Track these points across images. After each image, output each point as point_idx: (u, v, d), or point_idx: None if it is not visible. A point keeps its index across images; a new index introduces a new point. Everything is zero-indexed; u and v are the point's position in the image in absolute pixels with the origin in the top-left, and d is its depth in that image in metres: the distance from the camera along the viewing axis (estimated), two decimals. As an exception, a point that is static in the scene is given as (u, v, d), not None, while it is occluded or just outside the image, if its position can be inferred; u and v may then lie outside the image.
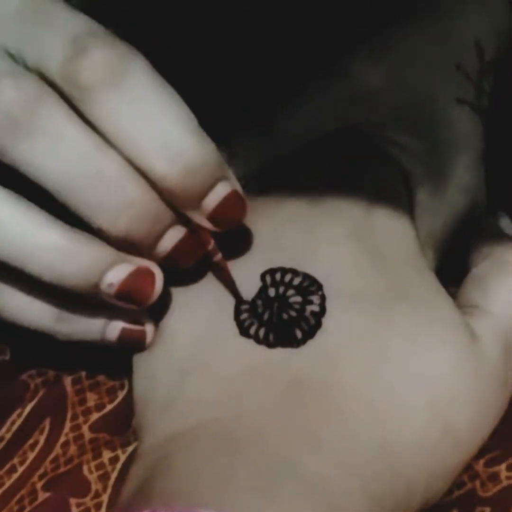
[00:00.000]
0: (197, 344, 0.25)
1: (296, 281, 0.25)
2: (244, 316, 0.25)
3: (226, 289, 0.26)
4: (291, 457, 0.21)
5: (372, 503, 0.21)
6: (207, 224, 0.24)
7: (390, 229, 0.27)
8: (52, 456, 0.28)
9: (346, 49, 0.32)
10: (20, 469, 0.28)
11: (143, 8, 0.36)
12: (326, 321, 0.24)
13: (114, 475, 0.27)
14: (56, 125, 0.22)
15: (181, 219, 0.24)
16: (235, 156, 0.31)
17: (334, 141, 0.32)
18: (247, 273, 0.26)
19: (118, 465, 0.27)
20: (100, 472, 0.27)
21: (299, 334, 0.24)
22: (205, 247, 0.25)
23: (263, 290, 0.25)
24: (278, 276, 0.25)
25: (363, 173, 0.30)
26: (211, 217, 0.24)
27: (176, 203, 0.23)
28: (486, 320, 0.26)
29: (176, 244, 0.24)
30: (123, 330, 0.25)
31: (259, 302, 0.25)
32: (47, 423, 0.29)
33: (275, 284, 0.25)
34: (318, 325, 0.24)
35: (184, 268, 0.25)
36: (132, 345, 0.26)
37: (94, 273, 0.23)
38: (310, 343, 0.24)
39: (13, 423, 0.29)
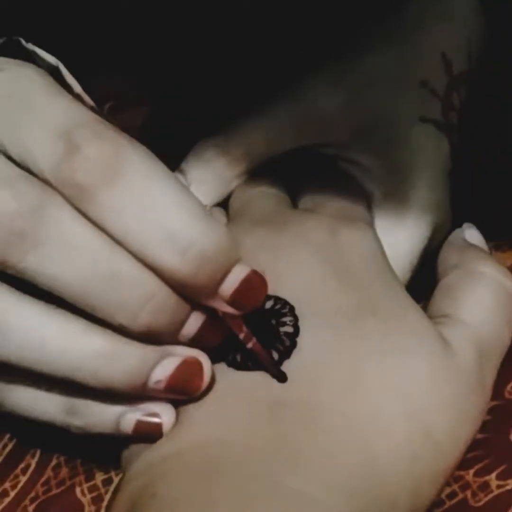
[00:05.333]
0: None
1: (268, 304, 0.26)
2: None
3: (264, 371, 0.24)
4: (273, 477, 0.21)
5: None
6: (228, 309, 0.23)
7: (355, 247, 0.28)
8: (43, 478, 0.28)
9: (307, 70, 0.32)
10: (12, 493, 0.28)
11: (143, 6, 0.36)
12: (300, 340, 0.25)
13: (107, 497, 0.27)
14: (63, 231, 0.22)
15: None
16: (194, 183, 0.32)
17: (295, 162, 0.33)
18: None
19: (112, 487, 0.27)
20: (93, 494, 0.27)
21: (275, 355, 0.24)
22: (238, 334, 0.24)
23: None
24: None
25: (326, 193, 0.31)
26: (231, 302, 0.23)
27: (190, 294, 0.23)
28: (457, 328, 0.26)
29: (199, 329, 0.23)
30: (138, 423, 0.24)
31: None
32: (38, 446, 0.29)
33: None
34: (293, 345, 0.25)
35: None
36: (148, 437, 0.24)
37: (141, 373, 0.23)
38: (287, 364, 0.24)
39: (4, 447, 0.29)
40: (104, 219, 0.22)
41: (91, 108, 0.24)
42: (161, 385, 0.23)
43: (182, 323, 0.23)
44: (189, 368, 0.23)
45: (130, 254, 0.22)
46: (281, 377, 0.24)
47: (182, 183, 0.23)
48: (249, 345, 0.24)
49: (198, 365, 0.23)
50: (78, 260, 0.22)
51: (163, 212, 0.22)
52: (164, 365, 0.23)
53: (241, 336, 0.24)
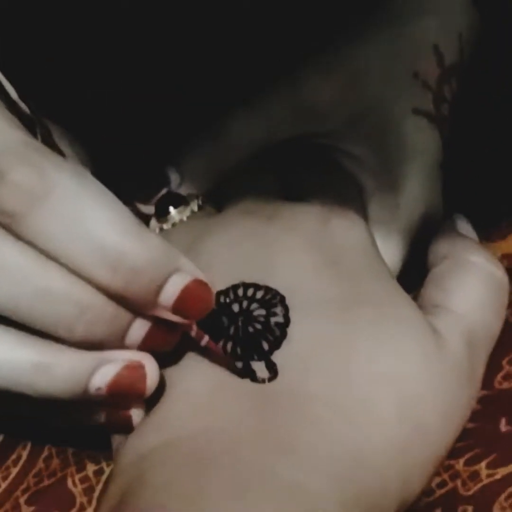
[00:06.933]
0: (166, 366, 0.25)
1: (259, 294, 0.26)
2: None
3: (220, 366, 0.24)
4: (264, 465, 0.21)
5: (348, 505, 0.21)
6: (175, 318, 0.23)
7: (347, 237, 0.28)
8: (35, 470, 0.28)
9: (300, 60, 0.32)
10: (3, 485, 0.28)
11: (143, 6, 0.36)
12: (290, 331, 0.25)
13: (99, 488, 0.27)
14: None
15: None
16: (187, 174, 0.32)
17: (288, 152, 0.33)
18: None
19: (103, 477, 0.27)
20: (85, 485, 0.27)
21: (265, 345, 0.24)
22: (189, 333, 0.24)
23: (227, 306, 0.26)
24: (240, 291, 0.26)
25: (318, 184, 0.31)
26: (175, 311, 0.23)
27: (129, 305, 0.23)
28: (448, 318, 0.26)
29: (146, 336, 0.23)
30: (108, 417, 0.24)
31: (224, 318, 0.25)
32: (29, 437, 0.29)
33: (238, 299, 0.26)
34: (283, 335, 0.25)
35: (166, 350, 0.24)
36: (119, 429, 0.24)
37: (79, 381, 0.23)
38: (277, 354, 0.24)
39: (-5, 438, 0.29)
40: (34, 241, 0.22)
41: (27, 117, 0.24)
42: (102, 392, 0.23)
43: (124, 331, 0.23)
44: (130, 373, 0.23)
45: (64, 269, 0.22)
46: (271, 367, 0.24)
47: (113, 198, 0.23)
48: (203, 343, 0.24)
49: (140, 369, 0.23)
50: (9, 279, 0.22)
51: (91, 229, 0.22)
52: (103, 372, 0.23)
53: (192, 334, 0.24)
